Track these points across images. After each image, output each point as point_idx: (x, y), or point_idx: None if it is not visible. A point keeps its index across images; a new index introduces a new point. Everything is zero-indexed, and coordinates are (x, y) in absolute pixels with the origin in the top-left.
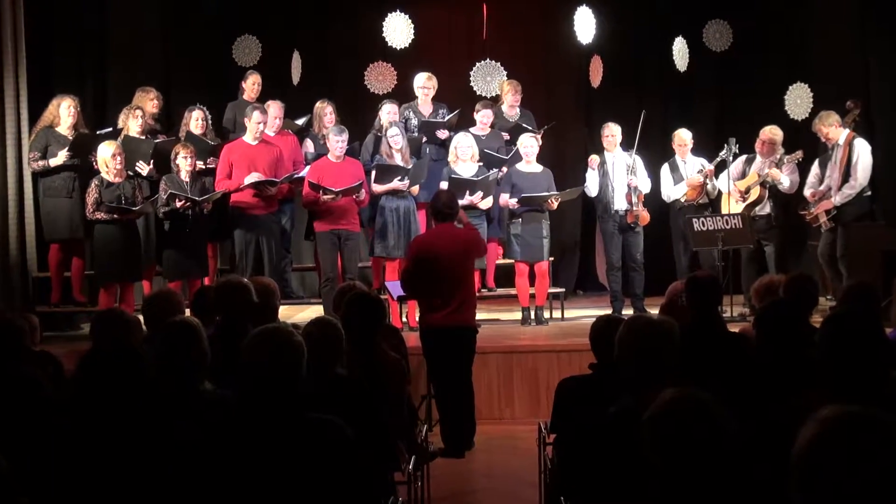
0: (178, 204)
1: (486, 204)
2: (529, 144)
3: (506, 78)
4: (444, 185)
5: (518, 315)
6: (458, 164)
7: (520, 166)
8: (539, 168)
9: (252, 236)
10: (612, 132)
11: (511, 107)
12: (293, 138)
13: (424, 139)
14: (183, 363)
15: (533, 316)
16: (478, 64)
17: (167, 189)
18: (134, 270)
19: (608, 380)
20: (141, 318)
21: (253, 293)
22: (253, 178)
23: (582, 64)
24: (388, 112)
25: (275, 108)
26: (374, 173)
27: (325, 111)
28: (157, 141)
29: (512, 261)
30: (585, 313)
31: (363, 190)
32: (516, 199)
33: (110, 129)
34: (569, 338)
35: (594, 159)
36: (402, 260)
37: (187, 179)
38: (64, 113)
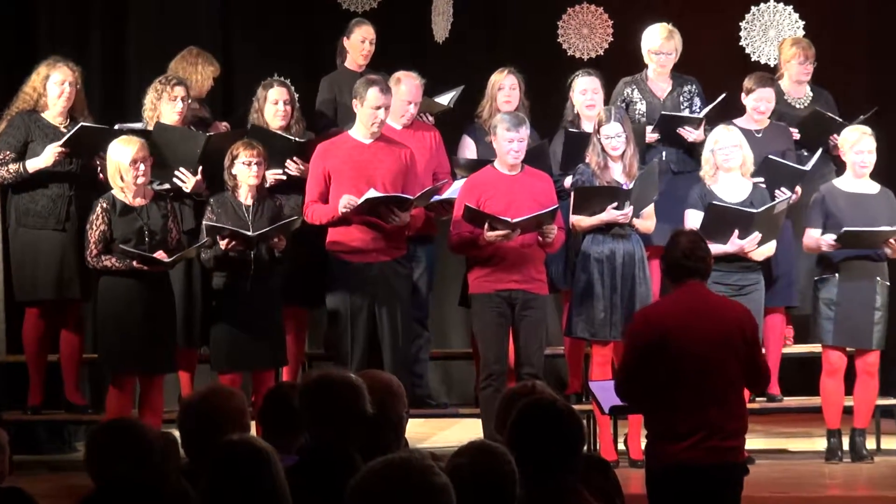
0: (223, 244)
1: (766, 252)
2: (867, 147)
3: (802, 31)
4: (693, 216)
5: (820, 444)
6: (719, 179)
7: (840, 183)
8: (875, 188)
9: (362, 300)
10: None
11: (798, 82)
12: (434, 134)
13: (656, 137)
14: None
15: (847, 446)
16: (754, 9)
17: (212, 219)
18: (164, 355)
19: None
20: (176, 434)
21: (365, 397)
22: (370, 194)
23: None
24: (582, 90)
25: (408, 84)
26: (572, 197)
27: (504, 86)
28: (211, 134)
29: (815, 348)
30: None
31: (554, 224)
32: (834, 238)
33: (139, 124)
34: None
35: None
36: (620, 345)
37: (249, 201)
38: (54, 90)
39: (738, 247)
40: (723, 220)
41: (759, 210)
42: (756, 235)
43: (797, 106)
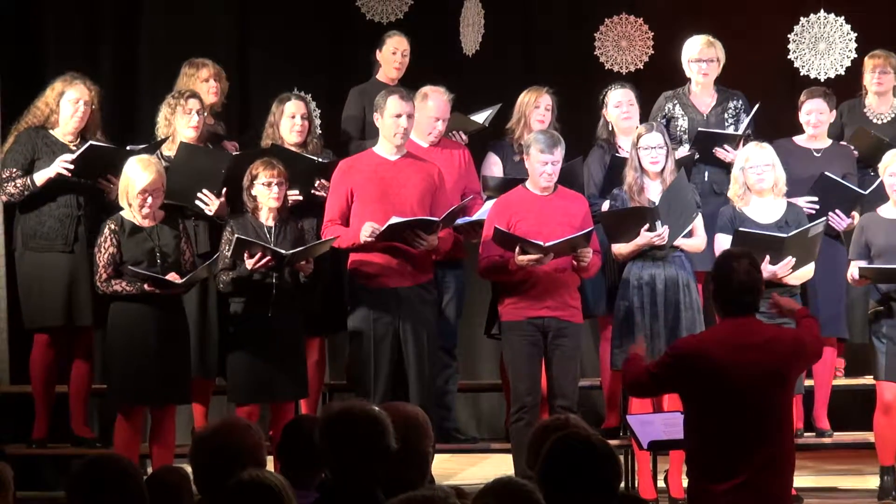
0: (250, 262)
1: (803, 276)
2: None
3: (854, 43)
4: (722, 241)
5: (873, 482)
6: (750, 202)
7: (883, 211)
8: None
9: (386, 328)
10: None
11: (877, 95)
12: (463, 152)
13: (696, 156)
14: None
15: None
16: (803, 20)
17: (232, 240)
18: (176, 385)
19: None
20: (189, 470)
21: (389, 431)
22: (393, 221)
23: None
24: (616, 104)
25: (436, 100)
26: (603, 227)
27: (540, 104)
28: (237, 154)
29: (867, 380)
30: None
31: (590, 247)
32: (860, 272)
33: (152, 142)
34: None
35: None
36: None
37: (271, 223)
38: (67, 108)
39: (770, 273)
40: (752, 246)
41: (790, 234)
42: (790, 260)
43: (876, 122)
